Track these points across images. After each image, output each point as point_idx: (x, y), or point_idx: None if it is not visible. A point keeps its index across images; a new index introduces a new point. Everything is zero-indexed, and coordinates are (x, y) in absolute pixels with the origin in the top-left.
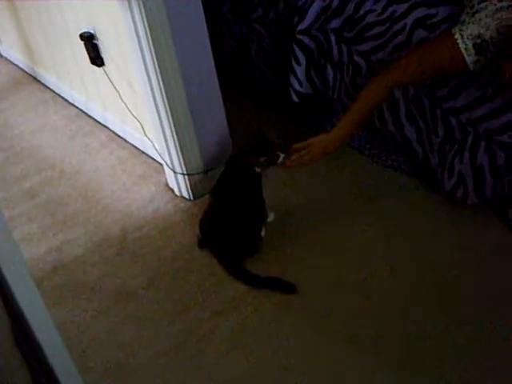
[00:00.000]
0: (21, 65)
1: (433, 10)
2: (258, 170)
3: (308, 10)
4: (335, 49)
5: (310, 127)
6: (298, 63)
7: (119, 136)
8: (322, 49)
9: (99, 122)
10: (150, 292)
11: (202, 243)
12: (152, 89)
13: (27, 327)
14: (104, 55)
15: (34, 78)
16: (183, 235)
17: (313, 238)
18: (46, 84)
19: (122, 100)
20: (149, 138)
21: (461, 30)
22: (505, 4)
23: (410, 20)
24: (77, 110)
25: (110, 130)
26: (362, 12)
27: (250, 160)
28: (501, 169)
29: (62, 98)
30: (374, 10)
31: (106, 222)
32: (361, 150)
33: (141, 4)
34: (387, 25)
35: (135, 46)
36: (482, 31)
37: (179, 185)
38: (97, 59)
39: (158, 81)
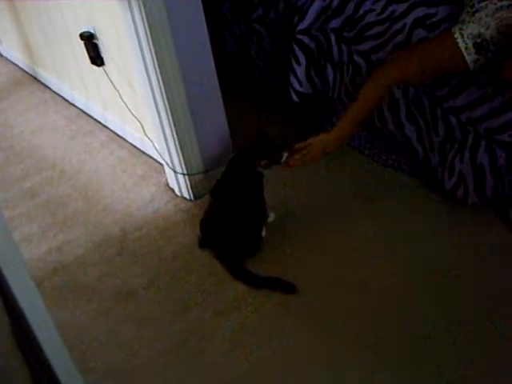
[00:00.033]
0: (21, 64)
1: (432, 10)
2: (260, 169)
3: (308, 9)
4: (335, 49)
5: (309, 127)
6: (298, 63)
7: (119, 136)
8: (322, 49)
9: (99, 122)
10: (150, 292)
11: (203, 243)
12: (152, 88)
13: (27, 328)
14: (104, 55)
15: (34, 78)
16: (183, 235)
17: (313, 237)
18: (46, 84)
19: (122, 100)
20: (149, 138)
21: (461, 29)
22: (505, 3)
23: (409, 19)
24: (77, 110)
25: (110, 130)
26: (361, 12)
27: (254, 161)
28: (501, 169)
29: (62, 97)
30: (374, 10)
31: (107, 222)
32: (361, 149)
33: (141, 4)
34: (387, 24)
35: (135, 45)
36: (482, 30)
37: (179, 185)
38: (97, 59)
39: (158, 80)
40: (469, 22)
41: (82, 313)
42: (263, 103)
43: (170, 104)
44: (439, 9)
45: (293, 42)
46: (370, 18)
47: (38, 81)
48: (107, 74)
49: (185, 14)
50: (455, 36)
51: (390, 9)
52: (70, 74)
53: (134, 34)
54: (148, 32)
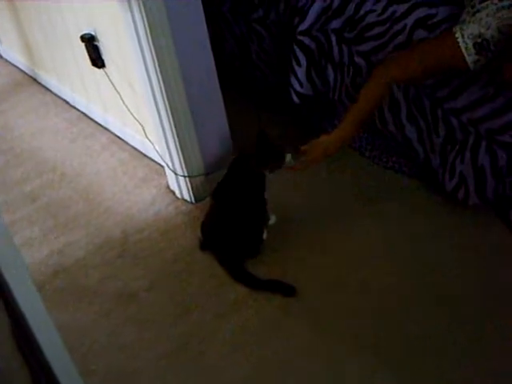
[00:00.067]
0: (21, 66)
1: (433, 10)
2: (266, 172)
3: (308, 10)
4: (336, 49)
5: (310, 128)
6: (299, 64)
7: (120, 138)
8: (322, 49)
9: (100, 125)
10: (151, 294)
11: (204, 246)
12: (153, 90)
13: (28, 330)
14: (105, 57)
15: (35, 80)
16: (184, 237)
17: (314, 239)
18: (47, 86)
19: (123, 102)
20: (150, 140)
21: (461, 29)
22: (506, 3)
23: (410, 20)
24: (78, 113)
25: (111, 133)
26: (362, 12)
27: (259, 164)
28: (502, 170)
29: (63, 100)
30: (375, 11)
31: (108, 225)
32: (362, 151)
33: (141, 5)
34: (387, 25)
35: (136, 46)
36: (482, 30)
37: (180, 187)
38: (97, 61)
39: (159, 82)
40: (469, 21)
41: (83, 315)
42: (263, 104)
43: (170, 106)
44: (440, 9)
45: (293, 42)
46: (371, 18)
47: (39, 83)
48: (108, 76)
49: (185, 15)
50: (456, 36)
51: (390, 9)
52: (71, 76)
53: (135, 35)
54: (148, 33)
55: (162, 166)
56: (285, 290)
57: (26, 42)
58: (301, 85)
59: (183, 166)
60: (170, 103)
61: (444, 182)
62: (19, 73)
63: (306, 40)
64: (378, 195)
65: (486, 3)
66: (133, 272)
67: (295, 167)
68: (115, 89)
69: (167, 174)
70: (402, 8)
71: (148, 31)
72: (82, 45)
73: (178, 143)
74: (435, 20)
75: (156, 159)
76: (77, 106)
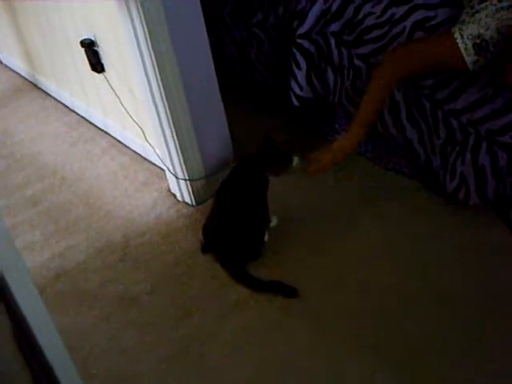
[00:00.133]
0: (21, 72)
1: (432, 13)
2: (274, 175)
3: (308, 13)
4: (335, 52)
5: (310, 131)
6: (299, 67)
7: (120, 142)
8: (322, 52)
9: (100, 129)
10: (152, 298)
11: (205, 248)
12: (152, 94)
13: (29, 333)
14: (104, 61)
15: (35, 85)
16: (186, 241)
17: (314, 240)
18: (47, 91)
19: (123, 106)
20: (150, 144)
21: (460, 29)
22: (505, 4)
23: (409, 23)
24: (77, 117)
25: (111, 137)
26: (361, 15)
27: (266, 167)
28: (503, 170)
29: (63, 104)
30: (374, 13)
31: (108, 228)
32: (362, 152)
33: (140, 9)
34: (386, 28)
35: (135, 51)
36: (481, 31)
37: (181, 190)
38: (97, 65)
39: (159, 86)
40: (468, 22)
41: (84, 319)
42: (263, 108)
43: (170, 109)
44: (439, 11)
45: (293, 46)
46: (370, 21)
47: (39, 88)
48: (108, 81)
49: (184, 20)
50: (455, 36)
51: (389, 12)
52: (71, 81)
53: (134, 40)
54: (148, 37)
55: (162, 170)
56: (286, 291)
57: (26, 47)
58: (301, 88)
59: (184, 169)
60: (169, 107)
61: (445, 182)
62: (19, 78)
63: (306, 43)
64: (379, 196)
65: (485, 4)
66: (134, 275)
67: (309, 174)
68: (115, 93)
69: (168, 177)
70: (400, 10)
71: (147, 36)
72: (82, 50)
73: (178, 147)
74: (434, 22)
75: (156, 163)
76: (77, 111)
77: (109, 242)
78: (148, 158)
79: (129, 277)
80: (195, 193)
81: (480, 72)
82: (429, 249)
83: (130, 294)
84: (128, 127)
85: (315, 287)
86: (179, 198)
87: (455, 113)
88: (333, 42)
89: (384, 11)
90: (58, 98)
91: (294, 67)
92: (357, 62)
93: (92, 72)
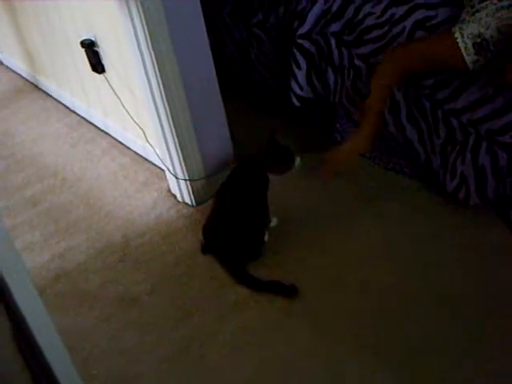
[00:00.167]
0: (22, 73)
1: (432, 12)
2: (275, 174)
3: (308, 14)
4: (336, 52)
5: (311, 131)
6: (299, 67)
7: (121, 143)
8: (322, 53)
9: (101, 129)
10: (152, 298)
11: (205, 249)
12: (153, 95)
13: (29, 334)
14: (105, 62)
15: (36, 86)
16: (186, 241)
17: (314, 240)
18: (48, 92)
19: (123, 106)
20: (150, 145)
21: (461, 28)
22: (505, 3)
23: (409, 22)
24: (78, 118)
25: (112, 137)
26: (361, 15)
27: (270, 166)
28: (503, 170)
29: (64, 105)
30: (374, 13)
31: (109, 229)
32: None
33: (140, 10)
34: (386, 28)
35: (135, 51)
36: (482, 30)
37: (181, 191)
38: (97, 66)
39: (159, 87)
40: (469, 21)
41: (84, 320)
42: (263, 108)
43: (170, 110)
44: (439, 11)
45: (293, 46)
46: (370, 21)
47: (39, 89)
48: (108, 81)
49: (184, 20)
50: (455, 35)
51: (389, 12)
52: (71, 82)
53: (134, 41)
54: (148, 38)
55: (162, 170)
56: (286, 290)
57: (26, 48)
58: (301, 88)
59: (184, 169)
60: (170, 107)
61: (445, 182)
62: (20, 79)
63: (306, 43)
64: (379, 196)
65: (485, 3)
66: (134, 276)
67: (324, 176)
68: (115, 94)
69: (168, 177)
70: (400, 10)
71: (148, 36)
72: (82, 50)
73: (178, 147)
74: (434, 22)
75: (157, 163)
76: (77, 111)
77: (109, 243)
78: (148, 158)
79: (129, 277)
80: (195, 193)
81: (480, 71)
82: (429, 249)
83: (130, 295)
84: (128, 128)
85: (315, 287)
86: (179, 199)
87: (455, 112)
88: (333, 42)
89: (384, 11)
90: (59, 99)
91: (295, 67)
92: (357, 62)
93: (92, 72)
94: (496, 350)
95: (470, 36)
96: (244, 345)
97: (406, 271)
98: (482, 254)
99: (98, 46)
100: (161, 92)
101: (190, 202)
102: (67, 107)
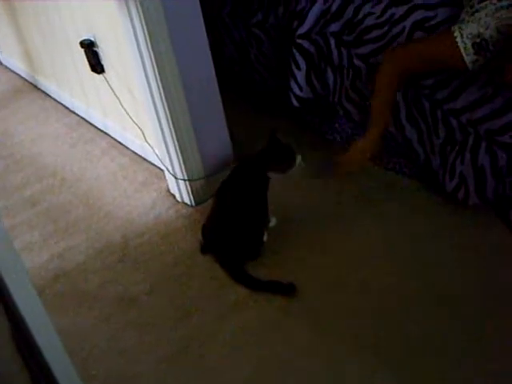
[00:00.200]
0: (21, 73)
1: (431, 13)
2: (277, 173)
3: (307, 14)
4: (335, 52)
5: (310, 131)
6: (298, 67)
7: (120, 143)
8: (321, 53)
9: (100, 129)
10: (151, 298)
11: (204, 249)
12: (152, 95)
13: (28, 334)
14: (104, 62)
15: (35, 86)
16: (185, 241)
17: (314, 239)
18: (47, 92)
19: (123, 107)
20: (149, 145)
21: (460, 28)
22: (505, 3)
23: (408, 23)
24: (77, 118)
25: (111, 137)
26: (361, 15)
27: (272, 165)
28: (502, 170)
29: (63, 105)
30: (373, 13)
31: (108, 229)
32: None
33: (140, 10)
34: (386, 28)
35: (135, 52)
36: (481, 30)
37: (180, 191)
38: (97, 66)
39: (158, 87)
40: (468, 21)
41: (83, 320)
42: (263, 108)
43: (170, 110)
44: (438, 11)
45: (292, 46)
46: (370, 21)
47: (39, 89)
48: (107, 82)
49: (184, 20)
50: (455, 35)
51: (389, 12)
52: (70, 82)
53: (134, 41)
54: (147, 38)
55: (161, 170)
56: (284, 288)
57: (26, 48)
58: (300, 88)
59: (183, 169)
60: (169, 108)
61: (444, 182)
62: (19, 79)
63: (305, 43)
64: (378, 196)
65: (484, 3)
66: (133, 276)
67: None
68: (115, 94)
69: (167, 177)
70: (400, 10)
71: (147, 36)
72: (82, 50)
73: (177, 147)
74: (433, 22)
75: (156, 163)
76: (76, 111)
77: (108, 243)
78: (147, 158)
79: (128, 277)
80: (194, 193)
81: (479, 71)
82: (428, 249)
83: (129, 295)
84: (128, 128)
85: (315, 287)
86: (178, 199)
87: (455, 112)
88: (332, 42)
89: (384, 11)
90: (58, 99)
91: (294, 67)
92: (356, 62)
93: (92, 73)
94: (495, 349)
95: (469, 36)
96: (243, 345)
97: (406, 271)
98: (482, 254)
99: (97, 46)
100: (160, 92)
101: (189, 202)
102: (66, 107)
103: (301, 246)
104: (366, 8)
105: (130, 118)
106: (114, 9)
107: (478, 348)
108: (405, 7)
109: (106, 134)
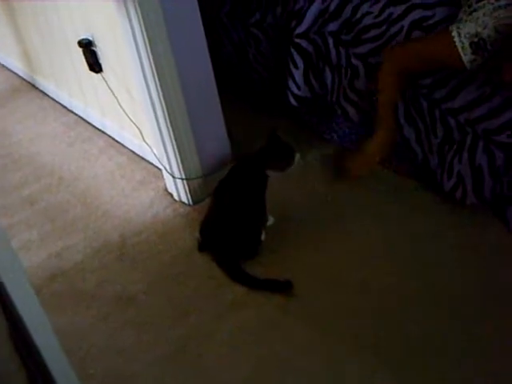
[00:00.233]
0: (19, 72)
1: (429, 12)
2: (276, 171)
3: (305, 13)
4: (333, 52)
5: (308, 131)
6: (296, 67)
7: (118, 142)
8: (319, 52)
9: (98, 129)
10: (149, 297)
11: (202, 247)
12: (150, 94)
13: (26, 333)
14: (102, 61)
15: (33, 86)
16: (183, 240)
17: (313, 239)
18: (45, 91)
19: (121, 106)
20: (147, 144)
21: (458, 27)
22: (503, 2)
23: (406, 22)
24: (75, 117)
25: (109, 136)
26: (359, 15)
27: (271, 163)
28: (499, 169)
29: (61, 104)
30: (371, 13)
31: (106, 228)
32: None
33: (138, 10)
34: (384, 27)
35: (133, 51)
36: (479, 30)
37: (178, 190)
38: (95, 66)
39: (157, 86)
40: (466, 20)
41: (81, 319)
42: (261, 107)
43: (168, 109)
44: (436, 11)
45: (291, 45)
46: (368, 20)
47: (37, 88)
48: (105, 81)
49: (182, 20)
50: (452, 34)
51: (387, 11)
52: (69, 81)
53: (132, 41)
54: (146, 38)
55: (159, 169)
56: (282, 286)
57: (24, 47)
58: (298, 87)
59: (181, 168)
60: (167, 107)
61: (442, 181)
62: (17, 79)
63: (304, 43)
64: (377, 195)
65: (482, 2)
66: (131, 275)
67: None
68: (113, 93)
69: (165, 176)
70: (398, 10)
71: (145, 36)
72: (80, 50)
73: (175, 146)
74: (431, 21)
75: (154, 162)
76: (74, 111)
77: (106, 242)
78: (145, 157)
79: (126, 276)
80: (192, 192)
81: (477, 71)
82: (428, 248)
83: (127, 294)
84: (126, 127)
85: (314, 286)
86: (176, 198)
87: (453, 112)
88: (331, 41)
89: (382, 11)
90: (56, 99)
91: (292, 67)
92: (354, 61)
93: (90, 72)
94: (495, 350)
95: (467, 35)
96: (241, 344)
97: (406, 271)
98: (481, 253)
99: (95, 46)
100: (158, 92)
101: (186, 201)
102: (64, 106)
103: (299, 244)
104: (364, 7)
105: (128, 117)
106: (112, 9)
107: (478, 348)
108: (403, 6)
109: (103, 133)
